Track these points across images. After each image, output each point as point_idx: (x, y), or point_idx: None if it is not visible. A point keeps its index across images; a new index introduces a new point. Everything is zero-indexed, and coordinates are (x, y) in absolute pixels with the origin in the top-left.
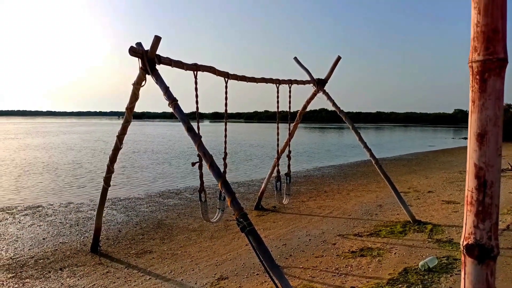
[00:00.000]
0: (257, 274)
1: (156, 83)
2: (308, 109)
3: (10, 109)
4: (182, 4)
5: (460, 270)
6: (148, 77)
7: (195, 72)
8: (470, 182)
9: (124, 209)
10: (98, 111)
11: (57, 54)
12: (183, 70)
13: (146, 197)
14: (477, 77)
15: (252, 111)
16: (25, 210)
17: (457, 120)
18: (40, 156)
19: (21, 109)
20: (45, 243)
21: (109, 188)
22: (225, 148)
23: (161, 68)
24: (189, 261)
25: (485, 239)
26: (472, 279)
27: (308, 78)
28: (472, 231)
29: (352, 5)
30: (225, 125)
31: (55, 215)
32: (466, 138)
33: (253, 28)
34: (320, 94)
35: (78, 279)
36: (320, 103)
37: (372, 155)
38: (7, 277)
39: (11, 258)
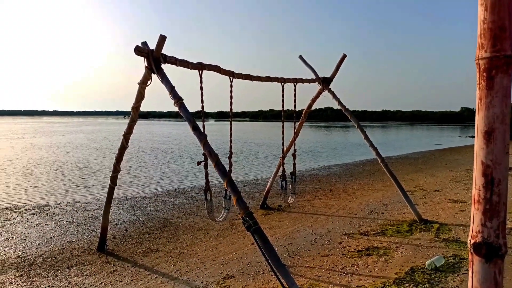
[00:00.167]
0: (263, 273)
1: (162, 82)
2: (313, 107)
3: (17, 109)
4: (187, 4)
5: (467, 270)
6: (154, 76)
7: (200, 71)
8: (477, 180)
9: (130, 208)
10: (104, 110)
11: (63, 54)
12: (188, 70)
13: (152, 196)
14: (484, 74)
15: (257, 110)
16: (32, 209)
17: (463, 118)
18: (46, 155)
19: (28, 109)
20: (53, 242)
21: (116, 187)
22: (231, 147)
23: (166, 67)
24: (195, 260)
25: (493, 238)
26: (479, 278)
27: (314, 77)
28: (479, 229)
29: (357, 4)
30: (231, 124)
31: (62, 214)
32: (473, 137)
33: (258, 28)
34: (326, 93)
35: (86, 278)
36: (325, 101)
37: (378, 153)
38: (15, 275)
39: (19, 256)
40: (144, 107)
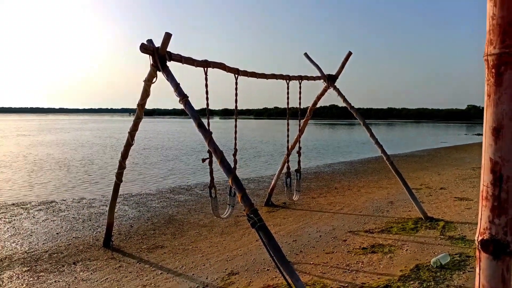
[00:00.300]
0: (268, 270)
1: (167, 79)
2: (318, 105)
3: (23, 106)
4: (192, 3)
5: (473, 267)
6: (159, 73)
7: (206, 68)
8: (485, 176)
9: (135, 204)
10: (109, 108)
11: (69, 51)
12: (192, 68)
13: (157, 193)
14: (493, 70)
15: (261, 107)
16: (39, 205)
17: (470, 116)
18: (52, 152)
19: (34, 107)
20: (59, 238)
21: (121, 184)
22: (235, 144)
23: (170, 65)
24: (200, 256)
25: (501, 235)
26: (487, 275)
27: (319, 74)
28: (487, 226)
29: (361, 1)
30: (235, 121)
31: (68, 211)
32: (479, 135)
33: (260, 26)
34: (331, 90)
35: (91, 273)
36: (330, 99)
37: (383, 151)
38: (22, 270)
39: (26, 252)
40: (149, 105)
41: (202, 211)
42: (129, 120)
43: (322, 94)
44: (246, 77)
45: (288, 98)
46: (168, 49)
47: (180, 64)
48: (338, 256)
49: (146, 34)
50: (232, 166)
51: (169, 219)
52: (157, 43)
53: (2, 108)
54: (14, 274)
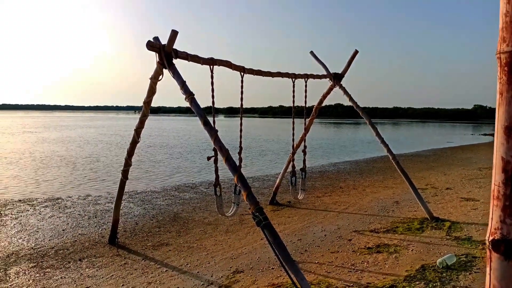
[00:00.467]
0: (272, 268)
1: (173, 77)
2: (323, 104)
3: (29, 103)
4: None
5: (479, 268)
6: (165, 71)
7: (211, 66)
8: (496, 176)
9: (140, 202)
10: (115, 105)
11: (75, 49)
12: (197, 67)
13: (162, 191)
14: (505, 68)
15: (266, 106)
16: (45, 202)
17: (476, 116)
18: (58, 149)
19: (40, 104)
20: (65, 234)
21: (126, 182)
22: (240, 142)
23: (176, 63)
24: (204, 254)
25: None
26: (498, 275)
27: (325, 72)
28: (498, 226)
29: (369, 1)
30: (241, 119)
31: (74, 207)
32: (485, 135)
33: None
34: (337, 89)
35: (97, 270)
36: (335, 98)
37: (389, 150)
38: (29, 266)
39: (32, 248)
40: (154, 102)
41: (207, 209)
42: (134, 117)
43: (328, 92)
44: (251, 76)
45: (294, 96)
46: (174, 47)
47: (185, 62)
48: (343, 256)
49: (151, 32)
50: (237, 164)
51: (174, 217)
52: (163, 40)
53: (9, 105)
54: (21, 269)
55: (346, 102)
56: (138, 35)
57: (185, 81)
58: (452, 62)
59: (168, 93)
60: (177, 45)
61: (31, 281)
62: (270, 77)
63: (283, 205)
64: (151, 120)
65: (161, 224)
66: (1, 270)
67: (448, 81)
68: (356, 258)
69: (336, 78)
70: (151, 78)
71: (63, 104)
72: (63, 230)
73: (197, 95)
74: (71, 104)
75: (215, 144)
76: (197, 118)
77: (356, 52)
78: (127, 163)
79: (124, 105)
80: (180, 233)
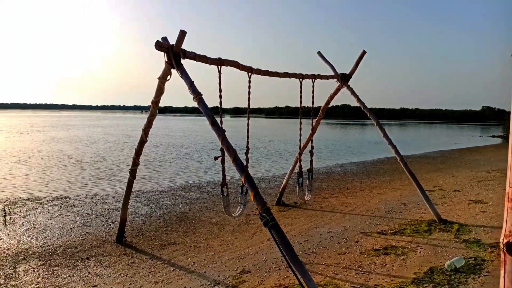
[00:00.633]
0: (279, 269)
1: (181, 77)
2: (330, 104)
3: (38, 102)
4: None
5: (488, 271)
6: (173, 71)
7: (219, 66)
8: (511, 178)
9: (148, 201)
10: (122, 105)
11: (84, 48)
12: (203, 67)
13: (169, 190)
14: None
15: (272, 106)
16: (53, 200)
17: (484, 117)
18: (66, 149)
19: (48, 103)
20: (73, 233)
21: (134, 181)
22: (247, 142)
23: (184, 63)
24: (211, 254)
25: None
26: None
27: (332, 73)
28: None
29: (376, 2)
30: (248, 119)
31: (81, 206)
32: (494, 136)
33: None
34: (344, 89)
35: (105, 269)
36: (342, 98)
37: (397, 152)
38: (37, 264)
39: (41, 246)
40: (161, 102)
41: (214, 209)
42: (141, 117)
43: (335, 93)
44: (257, 76)
45: (301, 97)
46: (182, 47)
47: (193, 62)
48: (350, 257)
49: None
50: (245, 164)
51: (180, 217)
52: (172, 41)
53: (18, 104)
54: (30, 267)
55: (353, 103)
56: (146, 35)
57: (193, 81)
58: (460, 63)
59: (175, 93)
60: (185, 45)
61: (40, 278)
62: (277, 78)
63: (290, 206)
64: (157, 120)
65: (168, 224)
66: (11, 268)
67: (456, 82)
68: (363, 260)
69: (344, 79)
70: (159, 78)
71: (70, 103)
72: (71, 228)
73: (204, 95)
74: (78, 104)
75: (222, 144)
76: (204, 118)
77: (364, 52)
78: (135, 163)
79: (131, 105)
80: (187, 233)
